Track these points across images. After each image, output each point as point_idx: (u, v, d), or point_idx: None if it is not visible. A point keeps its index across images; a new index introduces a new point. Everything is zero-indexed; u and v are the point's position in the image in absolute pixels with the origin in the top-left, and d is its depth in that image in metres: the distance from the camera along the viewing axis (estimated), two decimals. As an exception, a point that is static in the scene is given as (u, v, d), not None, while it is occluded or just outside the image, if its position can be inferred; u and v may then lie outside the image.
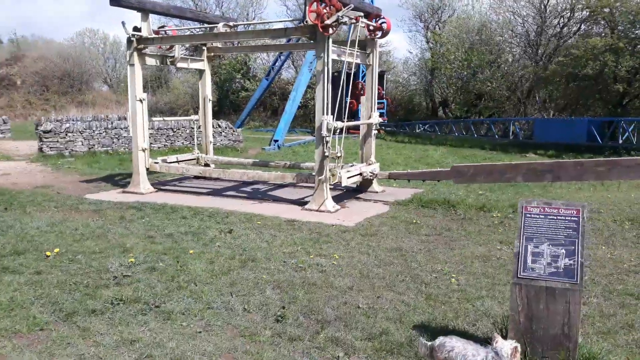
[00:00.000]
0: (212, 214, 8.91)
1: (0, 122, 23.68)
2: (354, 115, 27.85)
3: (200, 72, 12.72)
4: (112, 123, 18.08)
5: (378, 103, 28.05)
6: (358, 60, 10.82)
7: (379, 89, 27.76)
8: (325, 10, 8.68)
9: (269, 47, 13.73)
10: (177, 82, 36.70)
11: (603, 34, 20.37)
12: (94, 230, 7.75)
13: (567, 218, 3.39)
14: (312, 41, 9.28)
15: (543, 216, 3.45)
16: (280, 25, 9.94)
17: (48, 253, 6.37)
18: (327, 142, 9.22)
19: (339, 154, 9.24)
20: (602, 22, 21.02)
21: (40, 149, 16.71)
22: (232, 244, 7.06)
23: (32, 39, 48.31)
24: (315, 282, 5.53)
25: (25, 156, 17.12)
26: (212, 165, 12.88)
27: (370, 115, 11.04)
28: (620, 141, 16.84)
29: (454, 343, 3.38)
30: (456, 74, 27.23)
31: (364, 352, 3.96)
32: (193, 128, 20.77)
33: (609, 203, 9.86)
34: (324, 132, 9.17)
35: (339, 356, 3.90)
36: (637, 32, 19.58)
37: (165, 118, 14.75)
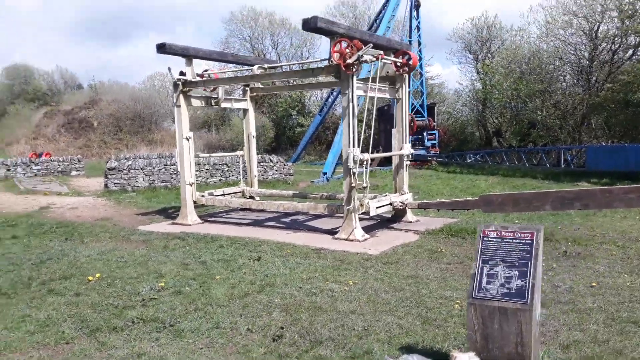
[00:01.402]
0: (247, 243, 9.45)
1: (75, 161, 25.87)
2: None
3: (244, 111, 13.56)
4: (171, 159, 19.37)
5: (430, 134, 28.41)
6: (387, 95, 11.22)
7: (429, 120, 28.12)
8: (347, 50, 9.21)
9: (305, 86, 14.40)
10: (238, 120, 38.52)
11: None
12: (137, 258, 8.49)
13: (521, 241, 3.57)
14: (337, 79, 9.80)
15: (500, 239, 3.65)
16: (313, 65, 10.56)
17: (90, 278, 7.10)
18: (354, 173, 9.60)
19: (364, 185, 9.57)
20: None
21: (106, 185, 18.18)
22: (257, 270, 7.52)
23: (108, 84, 52.47)
24: (322, 306, 5.85)
25: (93, 192, 18.65)
26: (257, 198, 13.56)
27: (402, 147, 11.32)
28: (678, 168, 16.03)
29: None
30: (507, 103, 26.88)
31: (343, 368, 4.24)
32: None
33: (651, 232, 9.52)
34: (351, 164, 9.57)
35: (319, 371, 4.20)
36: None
37: (212, 155, 15.67)
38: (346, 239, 9.59)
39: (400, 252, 8.61)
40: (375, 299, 6.11)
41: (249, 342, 4.87)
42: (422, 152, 27.72)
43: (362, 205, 9.84)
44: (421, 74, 28.13)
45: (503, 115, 28.52)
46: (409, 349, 4.53)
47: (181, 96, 11.63)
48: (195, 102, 12.09)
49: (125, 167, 18.15)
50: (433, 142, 28.37)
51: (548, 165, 20.71)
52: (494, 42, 30.45)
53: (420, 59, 28.29)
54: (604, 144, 23.06)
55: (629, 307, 5.56)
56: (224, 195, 12.95)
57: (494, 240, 3.68)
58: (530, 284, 3.44)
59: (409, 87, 11.39)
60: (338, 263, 7.90)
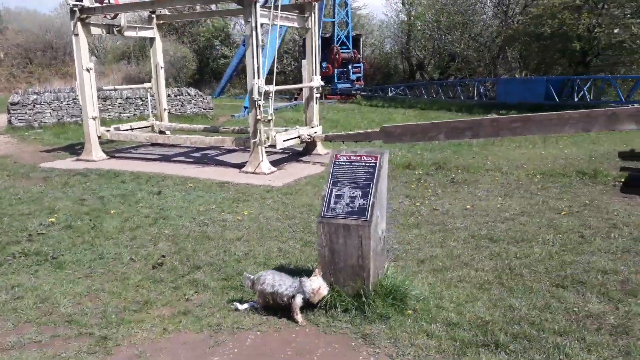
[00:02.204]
0: (150, 177, 9.37)
1: (-23, 95, 23.95)
2: (329, 80, 28.02)
3: (151, 40, 12.97)
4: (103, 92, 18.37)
5: (355, 67, 28.40)
6: (295, 24, 11.06)
7: (354, 52, 27.99)
8: (249, -23, 8.91)
9: (212, 13, 13.88)
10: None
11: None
12: (33, 195, 8.24)
13: (367, 164, 3.83)
14: (240, 7, 9.53)
15: (348, 163, 3.89)
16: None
17: (-25, 215, 6.86)
18: (259, 105, 9.59)
19: (269, 117, 9.62)
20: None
21: (9, 121, 17.08)
22: (154, 204, 7.53)
23: (16, 10, 47.95)
24: (210, 235, 6.03)
25: (-4, 129, 17.51)
26: (168, 132, 13.29)
27: (312, 79, 11.34)
28: (576, 99, 17.12)
29: (267, 276, 3.89)
30: (429, 35, 27.25)
31: (212, 290, 4.48)
32: (170, 96, 21.21)
33: (536, 159, 10.29)
34: (255, 96, 9.53)
35: (188, 294, 4.42)
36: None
37: (117, 87, 15.01)
38: (253, 172, 9.72)
39: (302, 183, 8.87)
40: (266, 226, 6.35)
41: (129, 270, 5.00)
42: (347, 85, 27.79)
43: (268, 138, 9.93)
44: (346, 4, 27.64)
45: (426, 48, 28.94)
46: (280, 268, 4.82)
47: (79, 24, 10.91)
48: (95, 31, 11.40)
49: (30, 102, 17.07)
50: (358, 75, 28.41)
51: (463, 97, 21.47)
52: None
53: (346, -12, 27.75)
54: (517, 76, 24.10)
55: (492, 225, 6.12)
56: (131, 129, 12.60)
57: (344, 164, 3.91)
58: (371, 202, 3.73)
59: (319, 16, 11.24)
60: (239, 195, 8.04)
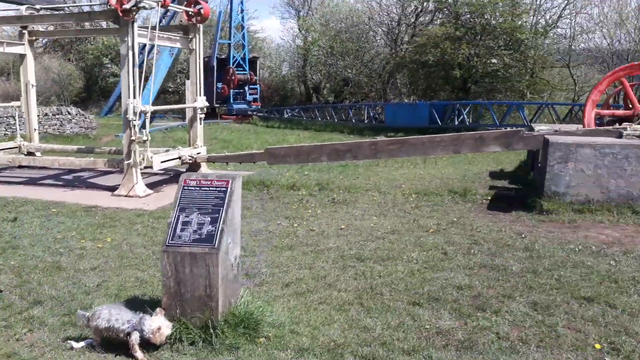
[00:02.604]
0: (8, 202, 8.46)
1: None
2: (225, 100, 27.72)
3: (22, 56, 11.90)
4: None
5: (251, 88, 28.37)
6: (179, 45, 10.74)
7: (250, 74, 27.98)
8: (124, -7, 8.50)
9: (91, 32, 13.13)
10: (40, 66, 33.92)
11: (449, 24, 21.94)
12: None
13: (217, 189, 3.65)
14: (117, 25, 9.06)
15: (198, 188, 3.68)
16: (87, 9, 9.60)
17: None
18: (134, 125, 9.09)
19: (145, 138, 9.14)
20: (447, 12, 22.64)
21: None
22: (6, 232, 6.76)
23: None
24: (62, 266, 5.47)
25: None
26: (38, 154, 12.21)
27: (196, 99, 11.02)
28: (457, 122, 18.32)
29: (103, 310, 3.54)
30: (324, 61, 28.02)
31: (50, 327, 4.01)
32: (48, 115, 19.64)
33: (414, 179, 10.70)
34: (130, 116, 9.04)
35: (19, 333, 3.92)
36: (475, 21, 21.29)
37: None
38: (126, 195, 9.13)
39: (180, 205, 8.46)
40: (127, 254, 5.90)
41: (-46, 310, 4.35)
42: (244, 106, 27.65)
43: (144, 159, 9.43)
44: (243, 27, 27.66)
45: (321, 72, 29.66)
46: (132, 300, 4.45)
47: None
48: (-51, 43, 10.26)
49: None
50: (255, 96, 28.41)
51: (354, 121, 22.14)
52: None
53: (242, 11, 27.80)
54: (406, 101, 25.36)
55: (362, 245, 6.16)
56: (-5, 150, 11.41)
57: (193, 189, 3.69)
58: (220, 228, 3.53)
59: (202, 37, 10.98)
60: (106, 220, 7.47)
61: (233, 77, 26.88)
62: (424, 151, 8.91)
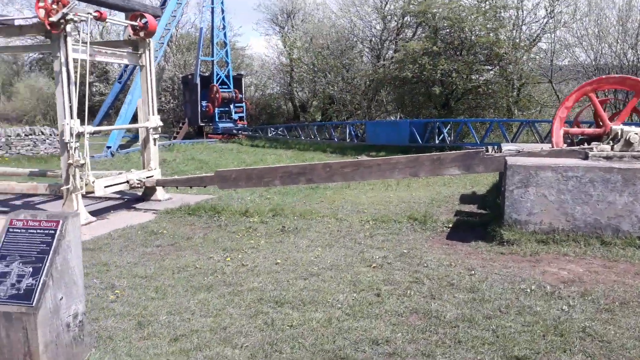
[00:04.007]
0: None
1: None
2: (210, 119, 27.21)
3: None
4: None
5: (237, 106, 27.85)
6: (126, 61, 10.20)
7: (235, 92, 27.49)
8: (54, 7, 7.96)
9: (22, 49, 12.53)
10: (22, 86, 33.59)
11: (426, 38, 21.38)
12: None
13: (45, 231, 3.01)
14: (49, 40, 8.51)
15: (25, 230, 3.05)
16: (19, 22, 9.08)
17: None
18: (71, 148, 8.50)
19: (82, 162, 8.53)
20: (426, 27, 22.10)
21: None
22: None
23: None
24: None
25: None
26: (-11, 177, 11.63)
27: (148, 118, 10.44)
28: (437, 141, 17.67)
29: None
30: (309, 77, 27.53)
31: None
32: (20, 135, 19.12)
33: (380, 203, 10.03)
34: (67, 138, 8.44)
35: None
36: (454, 35, 20.75)
37: None
38: (65, 223, 8.48)
39: (115, 235, 7.82)
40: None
41: None
42: (229, 124, 27.12)
43: (87, 184, 8.82)
44: (225, 43, 27.23)
45: (307, 89, 29.19)
46: None
47: None
48: None
49: None
50: (240, 114, 27.90)
51: (336, 139, 21.56)
52: (297, 15, 30.72)
53: (224, 27, 27.42)
54: (391, 118, 24.77)
55: (289, 284, 5.47)
56: (-61, 174, 10.83)
57: (19, 231, 3.05)
58: (42, 281, 2.89)
59: (152, 53, 10.44)
60: (26, 252, 6.81)
61: (217, 95, 26.39)
62: (380, 174, 8.24)
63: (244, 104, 27.99)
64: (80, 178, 8.69)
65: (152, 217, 9.10)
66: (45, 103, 31.98)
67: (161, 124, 10.82)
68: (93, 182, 8.87)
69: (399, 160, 8.09)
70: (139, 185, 9.76)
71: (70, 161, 8.50)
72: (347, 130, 21.05)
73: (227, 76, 27.12)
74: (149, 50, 10.32)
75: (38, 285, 2.86)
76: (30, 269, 2.90)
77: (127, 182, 9.65)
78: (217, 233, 7.91)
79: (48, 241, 2.95)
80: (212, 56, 26.61)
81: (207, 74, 27.28)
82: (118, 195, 11.08)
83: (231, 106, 27.20)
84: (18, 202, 10.46)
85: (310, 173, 8.59)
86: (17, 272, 2.91)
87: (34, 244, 2.97)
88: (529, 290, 5.15)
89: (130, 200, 10.68)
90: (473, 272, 5.79)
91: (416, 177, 9.20)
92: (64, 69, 8.34)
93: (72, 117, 8.49)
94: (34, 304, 2.83)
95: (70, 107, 8.48)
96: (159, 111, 32.82)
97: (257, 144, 25.26)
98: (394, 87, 23.27)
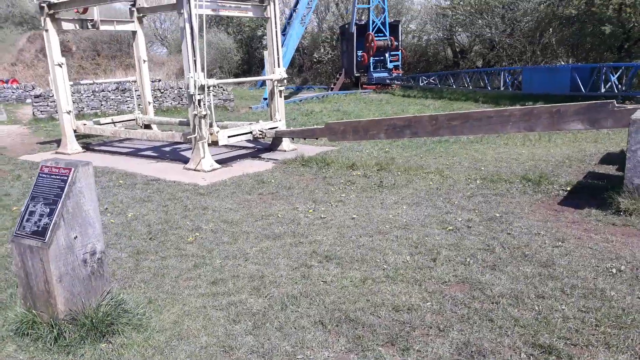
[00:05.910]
0: (97, 172, 9.39)
1: (29, 88, 25.67)
2: (366, 69, 27.11)
3: (133, 33, 13.05)
4: (100, 85, 19.09)
5: (392, 55, 27.22)
6: (250, 14, 10.62)
7: (391, 39, 26.83)
8: (177, -34, 8.60)
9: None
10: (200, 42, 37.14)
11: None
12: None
13: (60, 178, 3.42)
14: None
15: (48, 176, 3.50)
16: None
17: None
18: (197, 100, 9.30)
19: (204, 112, 9.30)
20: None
21: (34, 113, 18.12)
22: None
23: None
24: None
25: (28, 120, 18.65)
26: (154, 126, 13.40)
27: (274, 70, 10.87)
28: (603, 90, 15.08)
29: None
30: (470, 21, 25.36)
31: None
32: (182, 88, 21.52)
33: (505, 160, 9.17)
34: (192, 90, 9.24)
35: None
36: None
37: (96, 81, 15.34)
38: (194, 169, 9.47)
39: (229, 182, 8.48)
40: (135, 227, 6.11)
41: None
42: (384, 74, 26.77)
43: (212, 134, 9.65)
44: (381, -12, 26.57)
45: (471, 34, 27.07)
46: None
47: (48, 20, 11.18)
48: (67, 26, 11.63)
49: (51, 95, 17.97)
50: (396, 63, 27.28)
51: (489, 88, 19.90)
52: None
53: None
54: (545, 65, 21.89)
55: (351, 240, 5.41)
56: (113, 123, 12.80)
57: (46, 176, 3.53)
58: (54, 221, 3.32)
59: (277, 4, 10.68)
60: (151, 194, 7.81)
61: (372, 44, 26.10)
62: (491, 128, 7.48)
63: (399, 52, 27.26)
64: (205, 127, 9.50)
65: (269, 166, 9.61)
66: (218, 57, 34.93)
67: (286, 76, 11.16)
68: (217, 132, 9.64)
69: (512, 113, 7.24)
70: (260, 136, 10.34)
71: (195, 112, 9.34)
72: (502, 78, 19.25)
73: (383, 23, 26.54)
74: (274, 2, 10.59)
75: (50, 224, 3.32)
76: (48, 210, 3.38)
77: (251, 132, 10.28)
78: (317, 184, 8.07)
79: (62, 186, 3.39)
80: (369, 3, 26.23)
81: (363, 23, 27.03)
82: (252, 145, 11.92)
83: (386, 55, 26.70)
84: (167, 149, 11.92)
85: (415, 126, 8.19)
86: (39, 211, 3.41)
87: (53, 188, 3.44)
88: (614, 271, 4.34)
89: (259, 149, 11.39)
90: (561, 243, 5.06)
91: (532, 132, 8.11)
92: (187, 25, 9.03)
93: (196, 71, 9.23)
94: (46, 240, 3.31)
95: (195, 61, 9.21)
96: (318, 62, 33.70)
97: (409, 94, 24.59)
98: (558, 27, 20.29)
